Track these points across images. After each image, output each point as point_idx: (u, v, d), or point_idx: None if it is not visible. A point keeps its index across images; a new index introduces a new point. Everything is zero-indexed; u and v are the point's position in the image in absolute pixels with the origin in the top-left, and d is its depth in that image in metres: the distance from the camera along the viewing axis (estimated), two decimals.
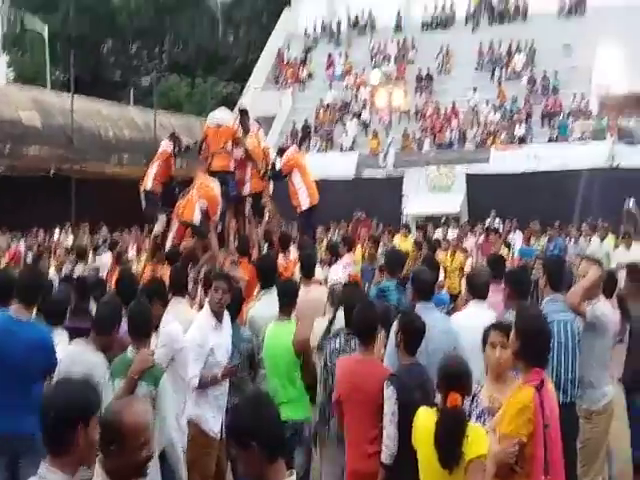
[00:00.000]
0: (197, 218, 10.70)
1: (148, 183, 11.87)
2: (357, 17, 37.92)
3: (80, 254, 13.40)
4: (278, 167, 11.91)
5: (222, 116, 11.97)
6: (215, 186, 11.06)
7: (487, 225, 20.91)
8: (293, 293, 6.79)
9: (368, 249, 14.66)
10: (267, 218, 12.42)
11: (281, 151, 12.35)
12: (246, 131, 11.93)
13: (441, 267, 11.94)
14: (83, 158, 27.46)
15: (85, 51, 40.40)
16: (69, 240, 20.80)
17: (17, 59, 46.39)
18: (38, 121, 27.22)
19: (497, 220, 22.57)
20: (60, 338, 5.93)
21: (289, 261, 10.30)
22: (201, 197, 10.79)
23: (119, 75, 45.53)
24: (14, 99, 27.40)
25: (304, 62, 36.80)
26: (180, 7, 47.86)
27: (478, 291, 6.38)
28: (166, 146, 12.08)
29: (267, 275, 7.69)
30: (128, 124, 31.27)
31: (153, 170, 11.91)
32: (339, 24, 37.92)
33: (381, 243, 16.58)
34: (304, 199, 11.67)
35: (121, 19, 47.22)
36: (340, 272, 9.45)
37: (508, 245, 18.32)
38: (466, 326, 5.88)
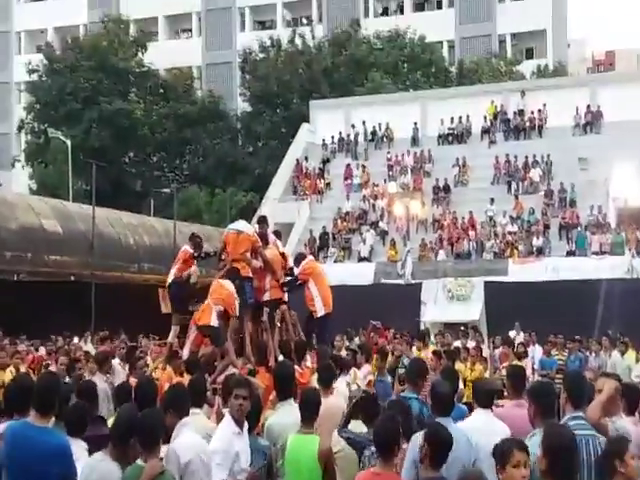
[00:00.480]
0: (214, 321, 10.67)
1: (169, 279, 12.06)
2: (374, 129, 38.75)
3: (99, 362, 13.17)
4: (295, 275, 11.96)
5: (242, 225, 12.07)
6: (229, 285, 11.08)
7: (511, 336, 20.50)
8: (316, 405, 6.66)
9: (377, 361, 14.38)
10: (285, 326, 12.35)
11: (297, 260, 12.40)
12: (265, 241, 11.99)
13: (460, 378, 11.73)
14: (103, 264, 27.69)
15: (107, 162, 41.33)
16: (88, 346, 20.69)
17: (40, 170, 47.52)
18: (59, 228, 27.62)
19: (522, 334, 21.92)
20: (80, 450, 5.86)
21: (305, 368, 10.18)
22: (217, 302, 10.80)
23: (140, 185, 46.46)
24: (36, 207, 27.89)
25: (322, 173, 37.43)
26: (201, 120, 49.25)
27: (483, 400, 6.30)
28: (187, 247, 12.22)
29: (285, 384, 7.59)
30: (148, 231, 31.68)
31: (174, 269, 12.07)
32: (357, 136, 38.73)
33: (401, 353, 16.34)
34: (319, 307, 11.78)
35: (143, 131, 48.58)
36: (360, 382, 9.32)
37: (521, 356, 17.94)
38: (475, 435, 5.75)
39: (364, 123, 38.68)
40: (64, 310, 24.14)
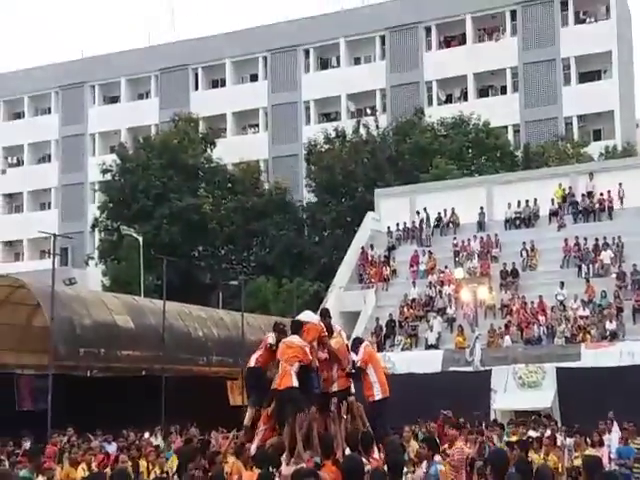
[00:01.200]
0: (295, 382, 10.84)
1: (251, 361, 12.18)
2: (439, 215, 38.86)
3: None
4: (356, 361, 11.97)
5: (308, 316, 12.18)
6: (295, 340, 11.19)
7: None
8: None
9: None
10: (351, 417, 12.27)
11: (355, 344, 12.40)
12: (330, 331, 12.08)
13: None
14: (173, 358, 28.04)
15: (177, 256, 42.30)
16: (158, 441, 20.84)
17: (113, 266, 48.76)
18: (131, 323, 28.19)
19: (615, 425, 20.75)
20: None
21: (373, 460, 10.07)
22: (292, 361, 10.92)
23: (209, 278, 47.22)
24: (109, 304, 28.58)
25: (387, 260, 37.51)
26: (267, 212, 50.17)
27: None
28: (269, 337, 12.28)
29: (354, 479, 7.51)
30: (216, 323, 32.08)
31: (255, 355, 12.19)
32: (422, 222, 38.86)
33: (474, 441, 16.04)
34: (377, 391, 11.84)
35: (212, 225, 49.67)
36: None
37: (595, 445, 17.37)
38: None
39: (428, 210, 38.84)
40: (136, 405, 24.47)
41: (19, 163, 68.53)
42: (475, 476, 11.20)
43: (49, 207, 66.45)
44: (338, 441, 11.01)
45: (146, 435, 22.88)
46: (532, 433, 18.86)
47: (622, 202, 35.53)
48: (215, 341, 31.10)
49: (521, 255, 34.80)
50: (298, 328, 11.51)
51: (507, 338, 30.04)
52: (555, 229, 36.07)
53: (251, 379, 12.29)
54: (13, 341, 27.70)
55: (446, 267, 35.40)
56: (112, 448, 20.01)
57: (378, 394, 11.83)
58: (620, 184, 35.48)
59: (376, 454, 10.40)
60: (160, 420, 24.47)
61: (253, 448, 11.02)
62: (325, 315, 12.43)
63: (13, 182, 66.16)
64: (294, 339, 11.28)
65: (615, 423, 19.79)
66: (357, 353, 12.03)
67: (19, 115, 68.96)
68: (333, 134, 52.28)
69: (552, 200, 36.95)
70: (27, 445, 19.14)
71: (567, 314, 30.35)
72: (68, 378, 24.43)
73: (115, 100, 66.27)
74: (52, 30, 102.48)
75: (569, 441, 18.09)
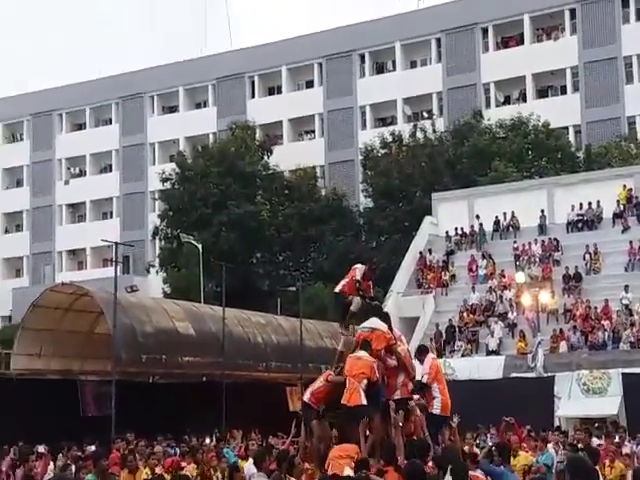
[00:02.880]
0: (364, 400, 10.88)
1: (337, 287, 12.67)
2: (498, 219, 38.35)
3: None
4: (422, 377, 11.75)
5: (375, 323, 12.03)
6: (364, 355, 11.18)
7: None
8: None
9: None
10: (409, 425, 12.12)
11: (420, 352, 12.20)
12: (394, 337, 11.95)
13: (600, 477, 11.11)
14: (233, 364, 28.20)
15: (235, 263, 42.50)
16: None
17: (173, 274, 49.32)
18: (192, 330, 28.46)
19: None
20: None
21: (428, 468, 9.95)
22: (360, 378, 10.90)
23: (267, 284, 47.41)
24: (170, 311, 28.90)
25: (446, 265, 37.16)
26: (324, 218, 50.18)
27: None
28: (357, 271, 12.72)
29: None
30: (275, 330, 32.19)
31: (342, 282, 12.72)
32: (481, 226, 38.39)
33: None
34: (437, 406, 11.55)
35: (269, 232, 49.88)
36: None
37: None
38: None
39: (488, 213, 38.35)
40: (197, 410, 24.67)
41: (81, 174, 69.78)
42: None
43: (111, 216, 67.49)
44: (399, 448, 10.92)
45: (207, 441, 22.98)
46: (595, 440, 18.44)
47: None
48: (274, 347, 31.22)
49: (584, 258, 34.12)
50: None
51: (578, 342, 29.31)
52: (619, 231, 35.29)
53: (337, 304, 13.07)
54: (77, 348, 28.24)
55: (508, 272, 34.83)
56: (174, 454, 20.15)
57: (437, 409, 11.53)
58: None
59: (431, 463, 10.27)
60: (221, 426, 24.60)
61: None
62: (386, 318, 12.35)
63: (76, 192, 67.35)
64: (361, 354, 11.24)
65: None
66: (422, 362, 11.84)
67: (81, 126, 70.28)
68: (390, 138, 52.01)
69: (617, 202, 36.15)
70: (91, 450, 19.37)
71: (632, 319, 29.64)
72: (130, 384, 24.77)
73: (174, 110, 67.07)
74: (111, 42, 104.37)
75: (633, 448, 17.62)
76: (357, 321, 12.58)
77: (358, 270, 12.72)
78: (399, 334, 12.54)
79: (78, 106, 68.44)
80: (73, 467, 16.47)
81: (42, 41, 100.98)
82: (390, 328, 12.11)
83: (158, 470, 16.27)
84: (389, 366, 11.52)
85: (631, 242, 33.56)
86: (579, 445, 16.11)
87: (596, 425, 21.05)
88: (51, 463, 18.07)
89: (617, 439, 18.24)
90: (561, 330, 30.14)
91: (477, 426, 20.24)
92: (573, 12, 55.27)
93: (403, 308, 34.04)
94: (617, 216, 36.01)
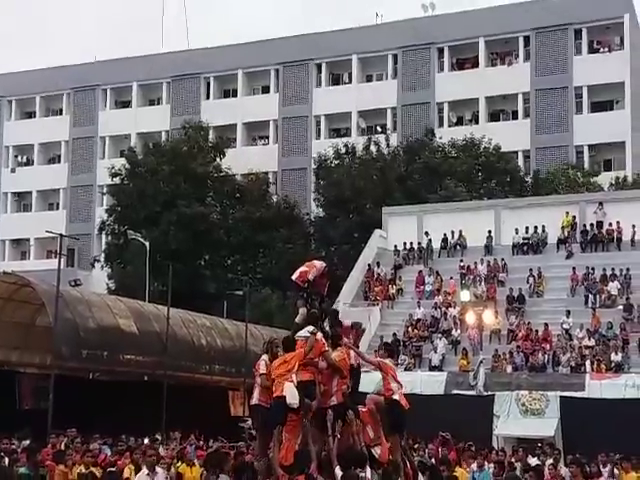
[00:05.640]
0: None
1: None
2: (446, 237, 38.80)
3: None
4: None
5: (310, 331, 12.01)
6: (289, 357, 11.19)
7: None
8: None
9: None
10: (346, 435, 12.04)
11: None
12: (336, 337, 11.87)
13: None
14: (176, 365, 27.95)
15: (183, 264, 42.14)
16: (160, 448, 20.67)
17: (119, 270, 48.69)
18: (135, 328, 28.12)
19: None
20: None
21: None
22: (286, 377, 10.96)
23: (214, 287, 47.12)
24: (114, 307, 28.51)
25: (394, 279, 37.42)
26: (275, 224, 50.10)
27: None
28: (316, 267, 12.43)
29: None
30: (220, 333, 32.00)
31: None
32: (429, 242, 38.77)
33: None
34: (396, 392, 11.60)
35: (219, 235, 49.58)
36: None
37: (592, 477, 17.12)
38: None
39: (436, 230, 38.75)
40: (137, 410, 24.37)
41: (29, 162, 68.55)
42: None
43: (57, 207, 66.45)
44: (332, 456, 10.87)
45: (145, 441, 22.70)
46: (531, 460, 18.75)
47: (634, 235, 35.32)
48: (218, 350, 31.04)
49: (527, 281, 34.66)
50: (290, 346, 11.47)
51: (519, 364, 29.77)
52: (563, 257, 36.00)
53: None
54: (16, 339, 27.69)
55: (450, 289, 35.24)
56: (109, 451, 19.91)
57: (397, 395, 11.49)
58: (627, 216, 35.28)
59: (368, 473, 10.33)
60: (160, 427, 24.33)
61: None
62: (335, 315, 12.42)
63: (22, 181, 66.17)
64: (288, 357, 11.20)
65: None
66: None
67: (30, 115, 69.06)
68: (343, 150, 52.29)
69: (562, 228, 36.85)
70: (26, 443, 19.05)
71: (572, 343, 30.22)
72: (70, 379, 24.36)
73: (127, 105, 66.35)
74: (66, 32, 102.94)
75: (564, 471, 17.90)
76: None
77: (316, 269, 12.47)
78: (346, 341, 12.40)
79: (28, 94, 67.27)
80: (6, 460, 16.20)
81: None
82: (345, 331, 12.13)
83: (92, 468, 16.10)
84: (321, 368, 11.48)
85: (574, 268, 34.21)
86: (518, 465, 16.40)
87: (539, 445, 21.37)
88: None
89: (551, 460, 18.55)
90: (510, 352, 30.44)
91: (417, 440, 20.36)
92: (527, 39, 56.36)
93: (349, 319, 33.93)
94: (561, 242, 36.71)
